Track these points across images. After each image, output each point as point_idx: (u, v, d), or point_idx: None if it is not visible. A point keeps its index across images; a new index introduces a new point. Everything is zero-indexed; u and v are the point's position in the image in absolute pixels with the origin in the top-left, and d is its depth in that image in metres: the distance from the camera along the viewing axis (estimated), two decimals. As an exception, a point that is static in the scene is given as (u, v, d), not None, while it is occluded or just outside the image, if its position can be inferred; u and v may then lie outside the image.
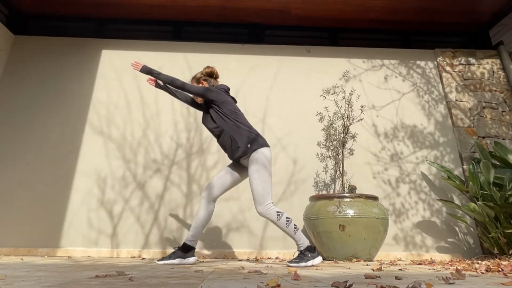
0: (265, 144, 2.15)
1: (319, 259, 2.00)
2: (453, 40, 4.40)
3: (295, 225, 2.04)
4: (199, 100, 2.38)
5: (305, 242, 2.04)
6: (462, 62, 4.11)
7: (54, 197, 3.29)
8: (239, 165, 2.28)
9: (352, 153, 3.50)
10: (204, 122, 2.30)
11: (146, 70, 2.28)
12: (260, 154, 2.09)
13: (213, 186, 2.24)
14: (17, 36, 4.00)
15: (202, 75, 2.42)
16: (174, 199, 3.35)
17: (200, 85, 2.38)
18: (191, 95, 2.42)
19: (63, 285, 0.96)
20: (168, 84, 2.28)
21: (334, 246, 2.71)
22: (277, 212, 2.02)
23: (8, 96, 3.68)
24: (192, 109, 3.75)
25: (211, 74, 2.42)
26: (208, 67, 2.45)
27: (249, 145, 2.10)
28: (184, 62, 3.98)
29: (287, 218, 2.03)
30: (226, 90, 2.34)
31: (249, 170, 2.09)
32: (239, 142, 2.12)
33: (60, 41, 4.01)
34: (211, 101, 2.22)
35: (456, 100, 3.90)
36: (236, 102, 2.36)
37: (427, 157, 3.65)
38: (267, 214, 2.02)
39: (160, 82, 2.39)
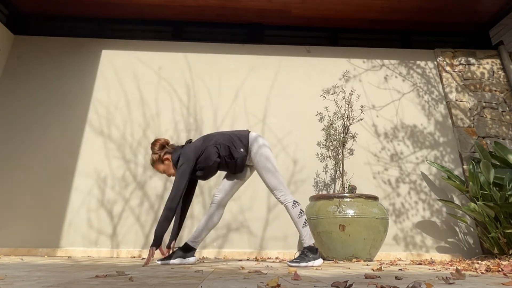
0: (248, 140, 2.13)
1: (319, 261, 1.98)
2: (453, 40, 4.39)
3: (305, 219, 2.06)
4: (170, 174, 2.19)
5: (309, 241, 2.02)
6: (462, 62, 4.11)
7: (54, 197, 3.29)
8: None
9: (352, 153, 3.50)
10: (206, 177, 2.17)
11: (157, 245, 1.93)
12: (258, 148, 2.12)
13: (225, 190, 2.21)
14: (17, 36, 4.00)
15: (159, 153, 2.15)
16: (174, 199, 3.34)
17: (167, 162, 2.15)
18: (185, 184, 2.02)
19: (63, 285, 0.96)
20: (165, 227, 1.93)
21: (334, 246, 2.71)
22: (294, 201, 2.08)
23: (7, 96, 3.68)
24: (192, 109, 3.75)
25: (162, 146, 2.17)
26: (154, 141, 2.17)
27: (244, 149, 2.11)
28: (184, 62, 3.98)
29: (301, 210, 2.07)
30: (181, 146, 2.19)
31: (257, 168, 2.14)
32: (236, 147, 2.11)
33: (60, 41, 4.01)
34: (195, 168, 2.09)
35: (456, 100, 3.89)
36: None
37: (427, 157, 3.65)
38: (285, 200, 2.07)
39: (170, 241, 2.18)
